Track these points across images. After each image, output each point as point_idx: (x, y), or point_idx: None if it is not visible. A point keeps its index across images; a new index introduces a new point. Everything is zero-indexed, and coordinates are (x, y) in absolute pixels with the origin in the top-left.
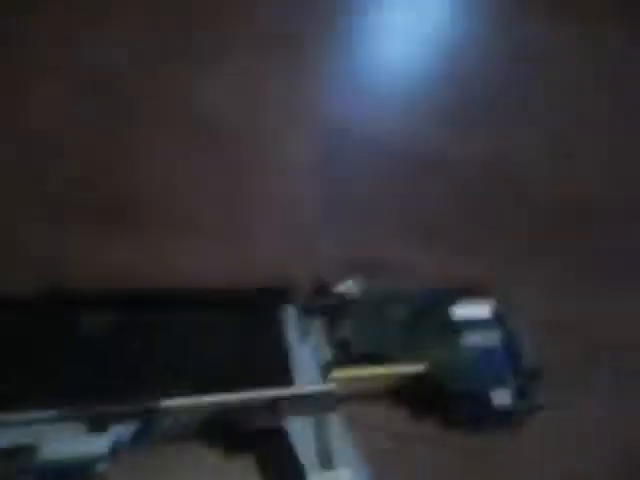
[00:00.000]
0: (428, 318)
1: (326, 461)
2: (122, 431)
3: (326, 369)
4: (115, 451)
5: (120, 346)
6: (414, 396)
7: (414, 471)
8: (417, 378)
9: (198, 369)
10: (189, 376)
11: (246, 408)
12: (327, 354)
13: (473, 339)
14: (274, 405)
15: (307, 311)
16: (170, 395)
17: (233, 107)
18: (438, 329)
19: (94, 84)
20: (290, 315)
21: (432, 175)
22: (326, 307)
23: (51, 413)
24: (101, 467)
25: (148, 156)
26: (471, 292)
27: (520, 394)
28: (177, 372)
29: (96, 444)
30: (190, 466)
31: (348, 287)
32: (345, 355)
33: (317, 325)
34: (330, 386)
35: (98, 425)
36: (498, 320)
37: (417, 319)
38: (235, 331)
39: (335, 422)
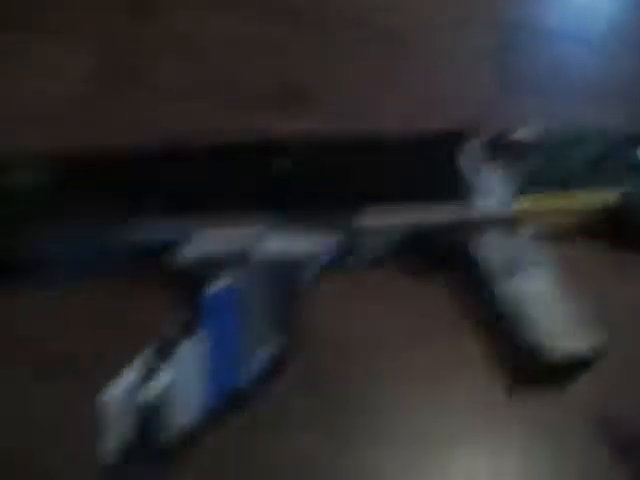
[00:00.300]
0: (615, 158)
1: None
2: (325, 243)
3: (511, 196)
4: (322, 265)
5: (322, 178)
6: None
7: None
8: (608, 212)
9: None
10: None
11: (434, 225)
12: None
13: None
14: (463, 225)
15: (488, 150)
16: (363, 211)
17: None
18: (626, 168)
19: None
20: (473, 149)
21: None
22: (504, 148)
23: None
24: (310, 275)
25: None
26: None
27: None
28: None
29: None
30: (386, 290)
31: (526, 133)
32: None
33: (498, 164)
34: (516, 208)
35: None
36: None
37: (603, 158)
38: (422, 163)
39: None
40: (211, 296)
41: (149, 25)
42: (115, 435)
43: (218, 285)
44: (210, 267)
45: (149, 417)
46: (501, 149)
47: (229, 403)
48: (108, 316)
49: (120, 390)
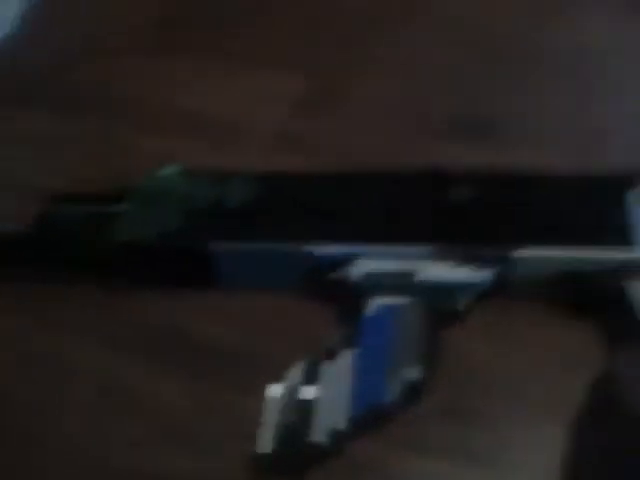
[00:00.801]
0: None
1: None
2: (484, 274)
3: None
4: (477, 293)
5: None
6: None
7: None
8: None
9: (551, 227)
10: (542, 232)
11: (595, 268)
12: None
13: None
14: (624, 270)
15: None
16: (524, 246)
17: None
18: None
19: None
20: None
21: None
22: None
23: (429, 248)
24: (464, 303)
25: None
26: None
27: None
28: (531, 229)
29: (463, 276)
30: (538, 325)
31: None
32: None
33: None
34: None
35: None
36: None
37: None
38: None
39: None
40: (372, 313)
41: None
42: (273, 427)
43: (380, 303)
44: (374, 285)
45: (304, 416)
46: None
47: (370, 418)
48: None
49: (283, 389)
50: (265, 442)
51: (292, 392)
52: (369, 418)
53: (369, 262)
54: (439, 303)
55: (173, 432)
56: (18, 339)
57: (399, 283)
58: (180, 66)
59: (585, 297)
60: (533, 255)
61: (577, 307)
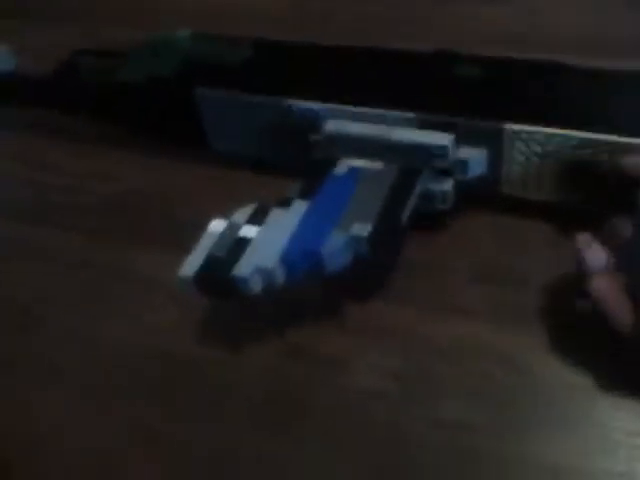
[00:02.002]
0: None
1: None
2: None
3: None
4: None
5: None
6: None
7: None
8: None
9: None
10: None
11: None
12: None
13: None
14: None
15: None
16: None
17: None
18: None
19: None
20: None
21: None
22: None
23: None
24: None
25: None
26: None
27: None
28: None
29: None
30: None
31: None
32: None
33: None
34: None
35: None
36: None
37: None
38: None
39: None
40: (339, 172)
41: None
42: (202, 255)
43: (349, 164)
44: (346, 145)
45: (235, 251)
46: None
47: (303, 264)
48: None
49: (225, 225)
50: (188, 267)
51: (233, 229)
52: (301, 266)
53: (344, 122)
54: (410, 172)
55: None
56: None
57: (370, 146)
58: None
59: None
60: (525, 130)
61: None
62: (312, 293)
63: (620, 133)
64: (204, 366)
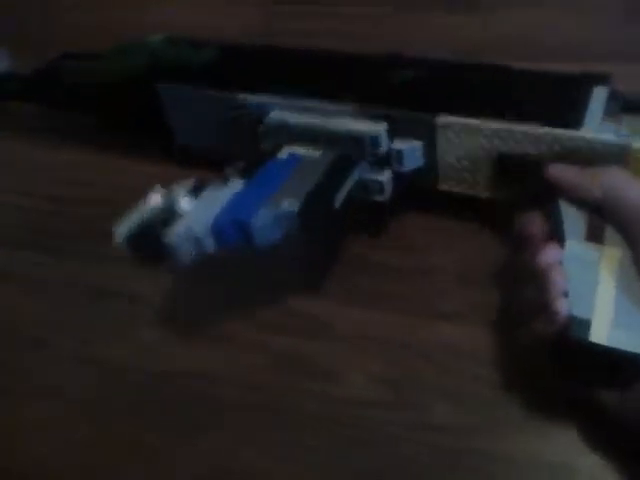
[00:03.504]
0: None
1: None
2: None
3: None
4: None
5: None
6: None
7: None
8: None
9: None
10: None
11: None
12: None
13: None
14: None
15: (615, 99)
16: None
17: None
18: None
19: None
20: (598, 94)
21: None
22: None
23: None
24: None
25: None
26: None
27: None
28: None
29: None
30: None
31: None
32: None
33: (623, 119)
34: (624, 140)
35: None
36: None
37: None
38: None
39: None
40: (280, 157)
41: None
42: (135, 222)
43: (290, 150)
44: (288, 133)
45: (167, 220)
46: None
47: (230, 234)
48: None
49: (162, 195)
50: (121, 232)
51: (169, 201)
52: (230, 236)
53: (286, 113)
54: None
55: None
56: None
57: (310, 135)
58: None
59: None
60: (458, 122)
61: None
62: (297, 301)
63: (542, 125)
64: (194, 382)
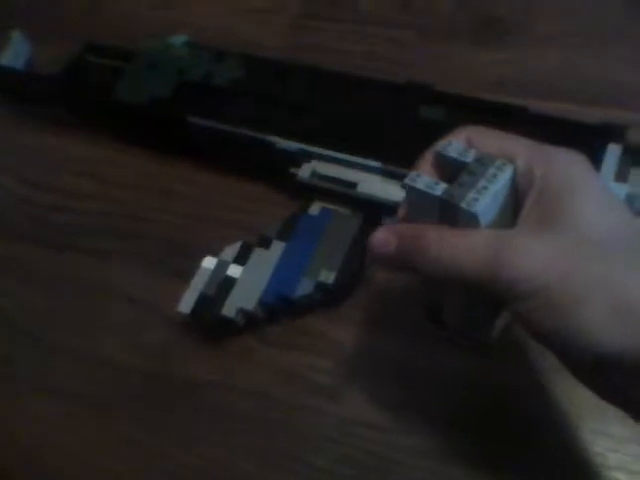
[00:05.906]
0: None
1: None
2: None
3: None
4: None
5: None
6: None
7: None
8: None
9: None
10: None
11: None
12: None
13: None
14: None
15: (628, 153)
16: None
17: None
18: None
19: None
20: (612, 151)
21: None
22: None
23: (377, 164)
24: None
25: None
26: None
27: None
28: None
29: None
30: None
31: None
32: None
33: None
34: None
35: None
36: None
37: None
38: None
39: None
40: (313, 213)
41: None
42: (196, 293)
43: (322, 206)
44: (319, 187)
45: (223, 290)
46: None
47: (278, 307)
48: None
49: (216, 262)
50: (185, 304)
51: (222, 267)
52: (277, 306)
53: (319, 164)
54: (372, 220)
55: None
56: None
57: (340, 191)
58: None
59: None
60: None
61: None
62: (305, 322)
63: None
64: (199, 388)
